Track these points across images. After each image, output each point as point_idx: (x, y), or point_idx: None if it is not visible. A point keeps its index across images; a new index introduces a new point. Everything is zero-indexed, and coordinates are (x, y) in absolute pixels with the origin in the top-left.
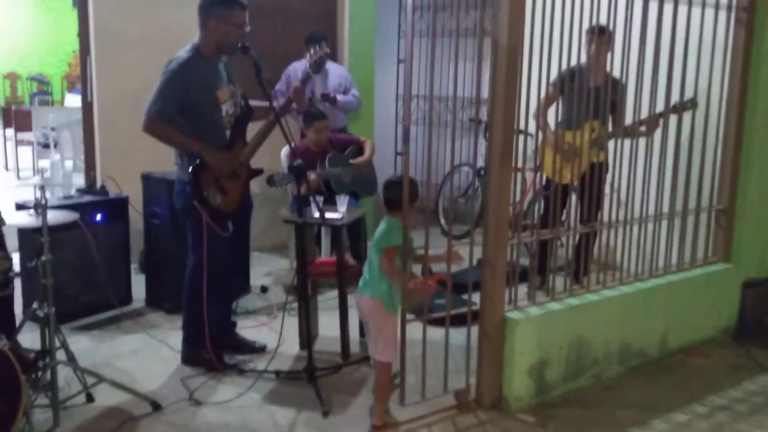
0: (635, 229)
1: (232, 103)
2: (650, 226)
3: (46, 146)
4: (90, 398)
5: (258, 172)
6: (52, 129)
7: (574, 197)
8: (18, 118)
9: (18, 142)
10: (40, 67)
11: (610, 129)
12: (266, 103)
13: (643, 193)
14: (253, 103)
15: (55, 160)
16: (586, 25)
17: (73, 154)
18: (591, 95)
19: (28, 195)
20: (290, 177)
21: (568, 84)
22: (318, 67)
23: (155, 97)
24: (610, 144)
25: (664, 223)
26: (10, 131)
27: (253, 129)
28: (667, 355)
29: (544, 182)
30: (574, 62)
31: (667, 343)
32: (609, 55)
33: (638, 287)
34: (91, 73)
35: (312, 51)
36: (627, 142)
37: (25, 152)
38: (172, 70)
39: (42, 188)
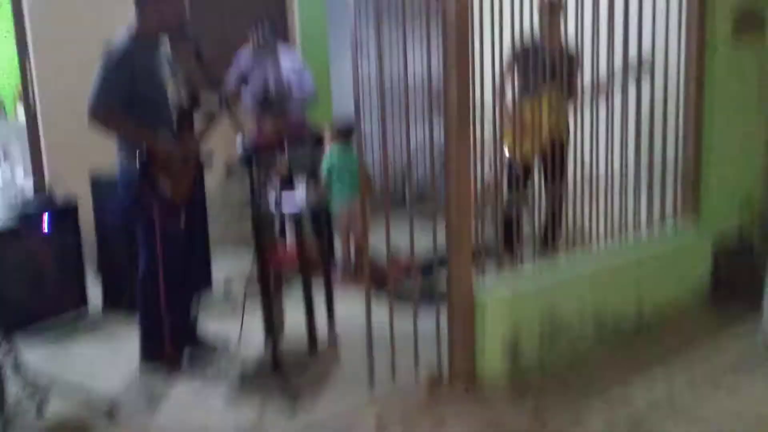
0: (602, 195)
1: (176, 89)
2: (616, 188)
3: None
4: (41, 409)
5: (204, 160)
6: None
7: (538, 169)
8: None
9: None
10: None
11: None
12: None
13: (607, 156)
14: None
15: (4, 172)
16: None
17: (23, 165)
18: (546, 66)
19: None
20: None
21: (523, 55)
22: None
23: (97, 87)
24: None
25: (631, 190)
26: None
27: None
28: (642, 323)
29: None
30: (527, 33)
31: (642, 311)
32: (563, 23)
33: (608, 255)
34: (32, 78)
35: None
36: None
37: None
38: (111, 57)
39: None
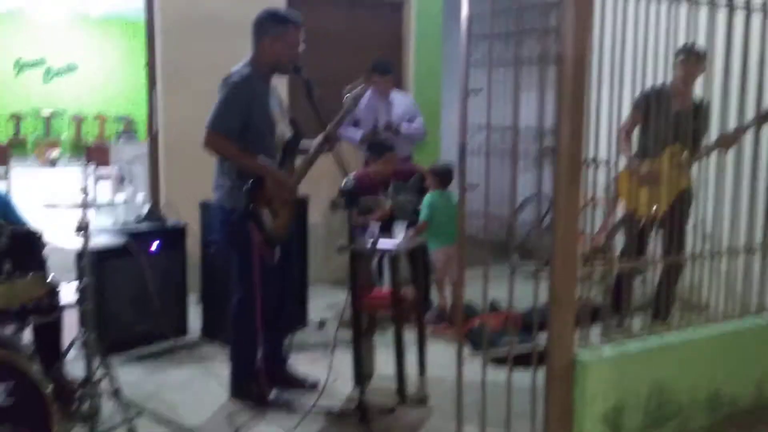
0: (724, 262)
1: (283, 124)
2: (741, 259)
3: (123, 180)
4: (131, 431)
5: (301, 200)
6: (127, 163)
7: (655, 229)
8: (97, 154)
9: (98, 177)
10: (127, 108)
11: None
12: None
13: (732, 222)
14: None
15: (127, 192)
16: (657, 42)
17: (143, 186)
18: (672, 120)
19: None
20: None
21: (648, 104)
22: (355, 102)
23: (218, 111)
24: (694, 170)
25: (758, 256)
26: (91, 168)
27: None
28: (763, 405)
29: (623, 214)
30: (648, 84)
31: (764, 390)
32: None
33: (729, 327)
34: (157, 105)
35: (349, 86)
36: (712, 168)
37: (105, 187)
38: (234, 84)
39: (88, 211)
